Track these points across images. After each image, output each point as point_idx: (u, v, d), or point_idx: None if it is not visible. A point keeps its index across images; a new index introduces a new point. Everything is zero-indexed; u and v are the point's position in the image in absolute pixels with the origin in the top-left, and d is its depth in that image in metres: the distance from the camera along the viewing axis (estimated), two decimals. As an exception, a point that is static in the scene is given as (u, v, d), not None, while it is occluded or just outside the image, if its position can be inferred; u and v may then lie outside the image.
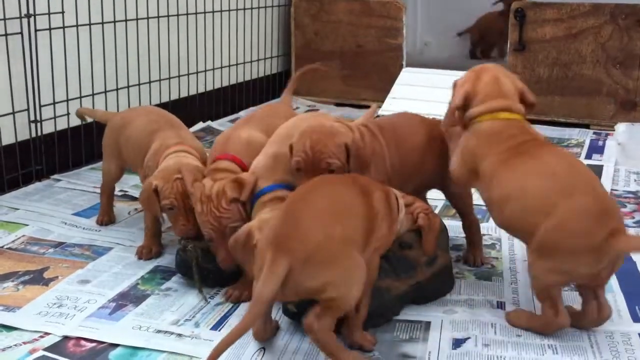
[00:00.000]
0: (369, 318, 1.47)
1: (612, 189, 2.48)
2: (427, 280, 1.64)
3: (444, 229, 1.77)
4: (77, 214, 2.22)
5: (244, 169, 1.76)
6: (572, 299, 1.67)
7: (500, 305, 1.66)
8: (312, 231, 1.31)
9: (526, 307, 1.64)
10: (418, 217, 1.56)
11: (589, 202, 1.44)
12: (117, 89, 2.87)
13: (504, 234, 2.06)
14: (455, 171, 1.66)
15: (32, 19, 2.44)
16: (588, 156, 2.92)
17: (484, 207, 2.25)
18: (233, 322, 1.57)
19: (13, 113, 2.43)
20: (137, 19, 2.95)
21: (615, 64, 3.36)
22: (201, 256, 1.72)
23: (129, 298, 1.69)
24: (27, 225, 2.12)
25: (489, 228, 2.12)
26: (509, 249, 1.97)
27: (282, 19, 4.08)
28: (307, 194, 1.40)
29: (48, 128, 2.56)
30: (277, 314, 1.56)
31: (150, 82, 3.06)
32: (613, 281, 1.77)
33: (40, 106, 2.52)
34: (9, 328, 1.54)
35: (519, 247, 1.98)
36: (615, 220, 1.44)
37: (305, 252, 1.28)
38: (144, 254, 1.91)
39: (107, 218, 2.15)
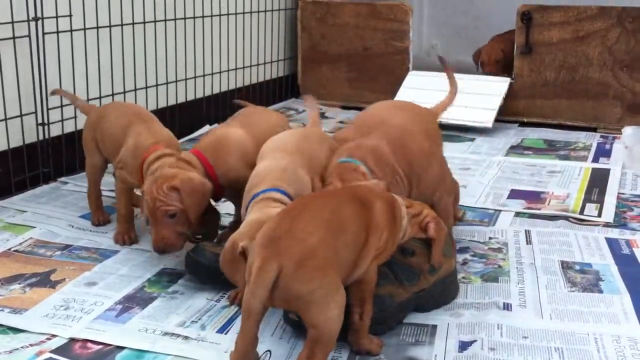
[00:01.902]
0: (371, 325, 1.47)
1: (619, 193, 2.47)
2: (431, 288, 1.63)
3: (448, 234, 1.76)
4: (84, 217, 2.22)
5: (205, 163, 1.84)
6: (578, 300, 1.67)
7: (507, 307, 1.65)
8: (308, 235, 1.27)
9: (533, 308, 1.64)
10: (428, 228, 1.54)
11: None
12: (124, 92, 2.88)
13: (510, 237, 2.07)
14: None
15: (39, 22, 2.45)
16: (595, 159, 2.91)
17: (491, 211, 2.28)
18: (239, 324, 1.56)
19: (21, 116, 2.44)
20: (144, 22, 2.95)
21: (622, 67, 3.35)
22: (212, 257, 1.72)
23: (136, 300, 1.69)
24: (34, 227, 2.13)
25: (495, 231, 2.12)
26: (515, 252, 1.97)
27: (288, 22, 4.09)
28: (306, 204, 1.37)
29: (55, 131, 2.57)
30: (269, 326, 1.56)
31: (157, 85, 3.06)
32: (620, 285, 1.77)
33: (48, 109, 2.53)
34: (16, 330, 1.55)
35: (525, 248, 1.98)
36: None
37: (300, 253, 1.25)
38: (122, 239, 1.99)
39: (102, 218, 2.17)
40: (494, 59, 3.82)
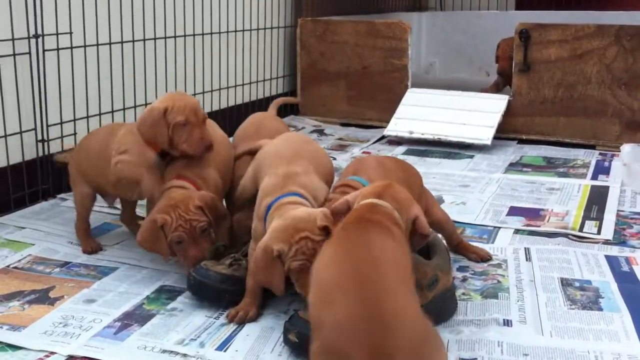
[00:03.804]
0: None
1: (618, 210, 2.47)
2: (430, 304, 1.62)
3: (444, 249, 1.76)
4: (83, 233, 2.22)
5: (198, 189, 1.88)
6: (578, 318, 1.67)
7: (507, 323, 1.65)
8: (403, 319, 1.16)
9: (533, 325, 1.64)
10: (416, 222, 1.48)
11: None
12: (124, 109, 2.88)
13: (509, 254, 2.06)
14: None
15: (40, 39, 2.46)
16: (594, 177, 2.92)
17: (490, 228, 2.28)
18: (238, 342, 1.56)
19: (20, 132, 2.45)
20: (144, 40, 2.97)
21: (620, 84, 3.36)
22: (216, 277, 1.72)
23: (134, 318, 1.69)
24: (33, 244, 2.13)
25: (495, 249, 2.11)
26: (514, 269, 1.96)
27: (288, 39, 4.11)
28: (372, 267, 1.23)
29: (55, 147, 2.57)
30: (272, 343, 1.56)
31: (156, 102, 3.07)
32: (620, 302, 1.76)
33: (48, 126, 2.53)
34: (15, 347, 1.54)
35: (525, 265, 1.98)
36: None
37: (411, 343, 1.14)
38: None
39: (95, 245, 2.10)
40: (508, 55, 3.87)
